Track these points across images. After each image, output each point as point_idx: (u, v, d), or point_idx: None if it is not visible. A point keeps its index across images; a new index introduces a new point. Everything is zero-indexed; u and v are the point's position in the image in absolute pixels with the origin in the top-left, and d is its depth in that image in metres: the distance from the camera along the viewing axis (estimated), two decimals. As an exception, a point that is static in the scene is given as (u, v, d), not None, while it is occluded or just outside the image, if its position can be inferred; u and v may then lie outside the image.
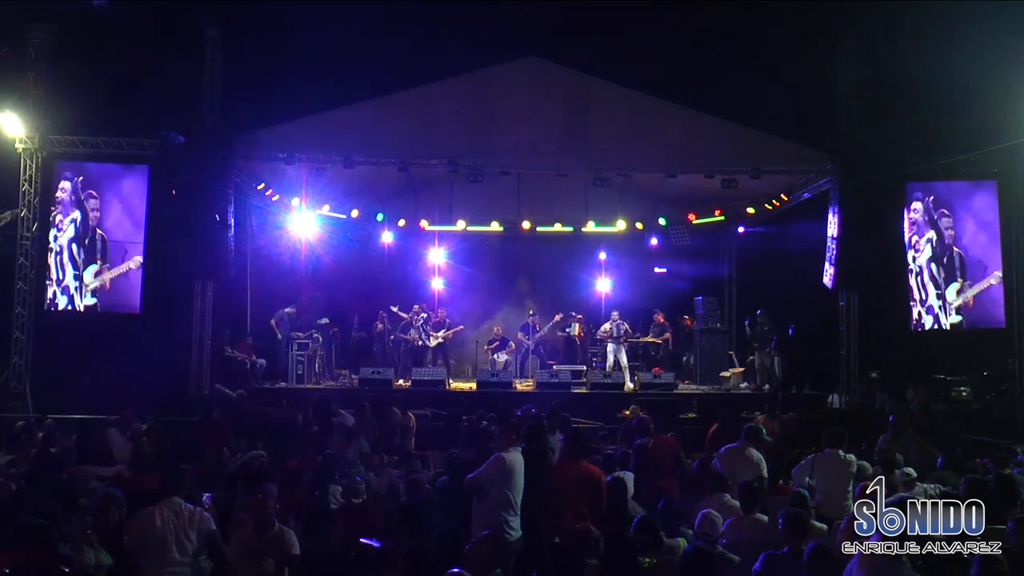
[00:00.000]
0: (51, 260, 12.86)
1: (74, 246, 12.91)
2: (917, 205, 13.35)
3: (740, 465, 6.68)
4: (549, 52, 13.35)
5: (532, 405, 10.03)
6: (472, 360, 16.01)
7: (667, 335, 15.29)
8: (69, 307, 12.84)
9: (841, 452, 6.74)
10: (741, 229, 16.04)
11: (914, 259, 13.24)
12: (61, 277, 12.89)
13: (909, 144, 12.76)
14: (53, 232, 12.88)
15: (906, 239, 13.27)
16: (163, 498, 5.00)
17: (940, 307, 13.15)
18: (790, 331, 13.29)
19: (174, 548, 4.82)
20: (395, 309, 15.16)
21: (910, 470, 6.86)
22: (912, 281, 13.23)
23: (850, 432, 7.16)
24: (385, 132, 12.89)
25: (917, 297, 13.22)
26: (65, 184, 12.94)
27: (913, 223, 13.32)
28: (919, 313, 13.22)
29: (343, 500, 6.49)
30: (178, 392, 12.00)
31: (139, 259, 12.90)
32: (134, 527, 4.97)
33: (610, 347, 14.57)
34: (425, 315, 14.99)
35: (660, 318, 15.50)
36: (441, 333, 14.95)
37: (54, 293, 12.87)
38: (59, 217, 12.91)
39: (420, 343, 14.77)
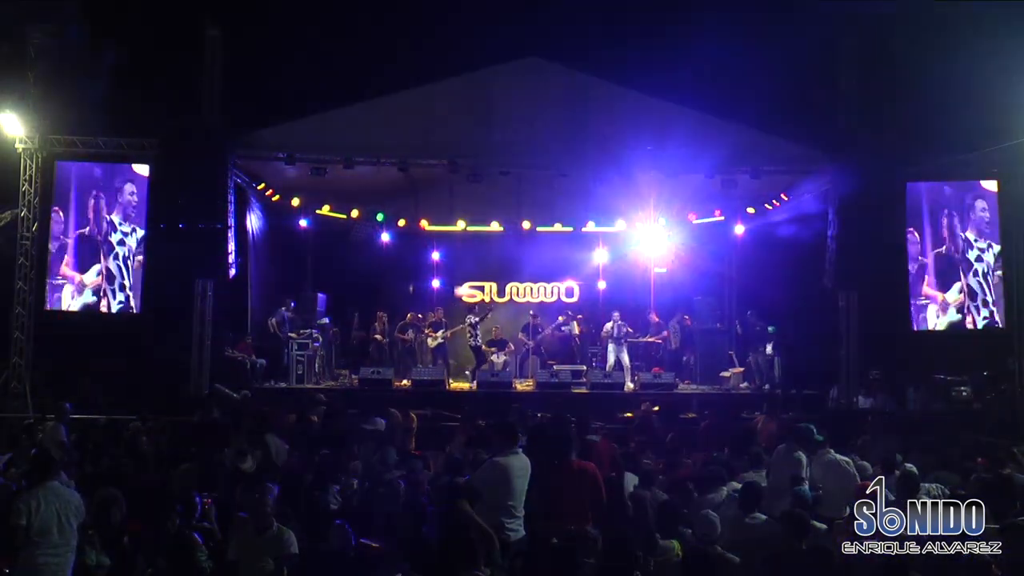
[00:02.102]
0: (112, 263, 12.92)
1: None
2: (982, 203, 13.25)
3: (784, 465, 6.62)
4: (549, 52, 13.38)
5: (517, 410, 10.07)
6: (472, 360, 15.99)
7: (665, 333, 15.29)
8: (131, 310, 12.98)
9: (832, 452, 6.76)
10: (741, 229, 16.01)
11: (980, 259, 13.18)
12: (122, 281, 12.97)
13: (909, 144, 12.75)
14: (118, 236, 12.96)
15: (961, 239, 13.21)
16: (42, 482, 5.21)
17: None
18: (768, 329, 13.34)
19: (55, 530, 5.04)
20: (436, 315, 15.28)
21: (911, 467, 6.85)
22: (971, 281, 13.17)
23: (847, 432, 7.16)
24: (385, 132, 12.89)
25: (977, 298, 13.15)
26: (130, 186, 13.01)
27: (980, 224, 13.24)
28: (973, 313, 13.20)
29: (341, 500, 6.50)
30: (178, 392, 11.99)
31: (139, 259, 12.92)
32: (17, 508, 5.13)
33: (611, 347, 14.57)
34: (477, 319, 15.03)
35: (654, 317, 15.52)
36: (440, 333, 14.96)
37: (122, 297, 12.96)
38: (118, 220, 12.99)
39: (441, 340, 14.79)
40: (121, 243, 13.00)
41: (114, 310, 12.92)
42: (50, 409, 10.31)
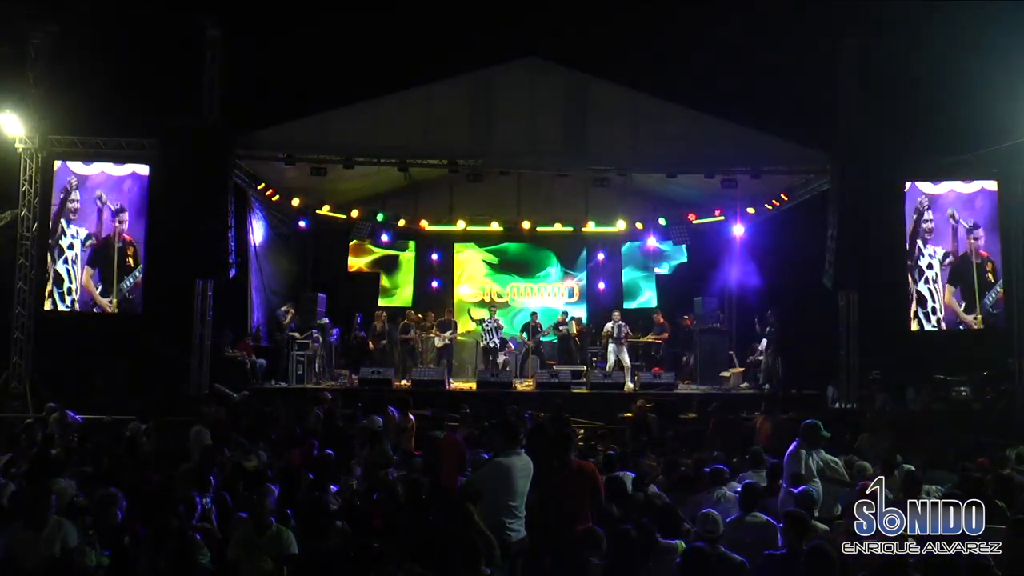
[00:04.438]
0: (61, 266, 12.80)
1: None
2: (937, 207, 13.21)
3: (799, 466, 6.52)
4: (549, 52, 13.38)
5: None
6: (472, 360, 16.00)
7: (666, 335, 15.29)
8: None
9: (823, 452, 6.75)
10: (741, 229, 15.99)
11: (931, 266, 13.19)
12: (70, 284, 12.87)
13: (909, 144, 12.74)
14: (67, 239, 12.82)
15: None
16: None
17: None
18: (768, 329, 13.33)
19: None
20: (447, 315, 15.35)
21: (908, 467, 6.84)
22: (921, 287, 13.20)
23: (847, 432, 7.14)
24: (385, 132, 12.90)
25: (928, 304, 13.16)
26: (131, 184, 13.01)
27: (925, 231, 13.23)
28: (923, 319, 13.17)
29: (341, 500, 6.49)
30: (178, 392, 11.99)
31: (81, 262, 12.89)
32: None
33: (611, 347, 14.58)
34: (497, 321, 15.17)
35: (660, 318, 15.50)
36: (448, 334, 14.96)
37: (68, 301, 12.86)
38: (67, 223, 12.90)
39: (448, 340, 14.86)
40: (71, 247, 12.87)
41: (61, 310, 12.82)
42: (46, 408, 10.33)
